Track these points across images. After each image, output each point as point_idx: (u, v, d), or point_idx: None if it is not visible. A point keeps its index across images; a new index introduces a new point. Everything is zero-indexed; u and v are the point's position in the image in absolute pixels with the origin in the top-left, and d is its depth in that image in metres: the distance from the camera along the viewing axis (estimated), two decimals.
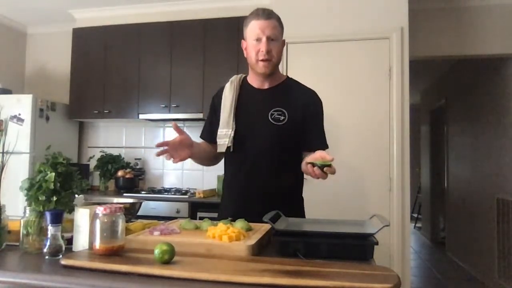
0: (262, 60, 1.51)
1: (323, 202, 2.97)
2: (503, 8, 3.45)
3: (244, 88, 1.63)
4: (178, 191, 3.52)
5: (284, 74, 1.79)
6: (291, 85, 1.64)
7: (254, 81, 1.63)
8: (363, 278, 0.84)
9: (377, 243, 1.06)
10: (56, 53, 4.27)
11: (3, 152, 1.18)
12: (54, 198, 1.09)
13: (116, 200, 1.50)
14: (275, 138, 1.54)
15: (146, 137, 3.95)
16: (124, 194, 3.25)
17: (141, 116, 3.58)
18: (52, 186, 1.09)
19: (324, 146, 1.56)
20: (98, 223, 0.99)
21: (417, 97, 7.23)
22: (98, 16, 3.93)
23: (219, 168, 3.99)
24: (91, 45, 3.77)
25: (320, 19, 3.08)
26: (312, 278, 0.83)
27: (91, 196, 3.16)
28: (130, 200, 1.45)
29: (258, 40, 1.50)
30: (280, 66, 3.41)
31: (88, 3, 3.84)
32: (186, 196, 3.26)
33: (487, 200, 4.08)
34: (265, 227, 1.29)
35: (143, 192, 3.43)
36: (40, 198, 1.08)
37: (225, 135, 1.57)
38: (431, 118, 6.63)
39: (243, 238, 1.11)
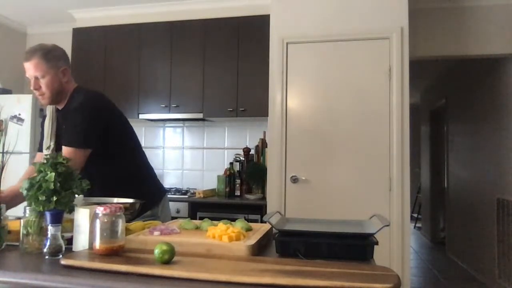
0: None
1: (322, 202, 2.97)
2: (503, 8, 3.44)
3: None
4: (178, 191, 3.52)
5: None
6: (72, 99, 1.69)
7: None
8: (363, 278, 0.84)
9: (377, 243, 1.06)
10: None
11: (3, 152, 1.18)
12: (54, 198, 1.09)
13: (116, 200, 1.50)
14: None
15: (146, 137, 3.95)
16: None
17: (141, 116, 3.58)
18: (52, 186, 1.09)
19: (65, 143, 1.60)
20: (98, 223, 1.00)
21: (417, 97, 7.23)
22: (98, 16, 3.93)
23: (219, 168, 3.96)
24: (91, 45, 3.77)
25: (320, 19, 3.07)
26: (312, 278, 0.83)
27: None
28: (130, 200, 1.45)
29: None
30: (279, 66, 3.39)
31: (88, 3, 3.84)
32: (186, 196, 3.27)
33: (487, 200, 4.08)
34: (265, 227, 1.29)
35: None
36: (40, 198, 1.08)
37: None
38: (431, 118, 6.62)
39: (243, 238, 1.11)
